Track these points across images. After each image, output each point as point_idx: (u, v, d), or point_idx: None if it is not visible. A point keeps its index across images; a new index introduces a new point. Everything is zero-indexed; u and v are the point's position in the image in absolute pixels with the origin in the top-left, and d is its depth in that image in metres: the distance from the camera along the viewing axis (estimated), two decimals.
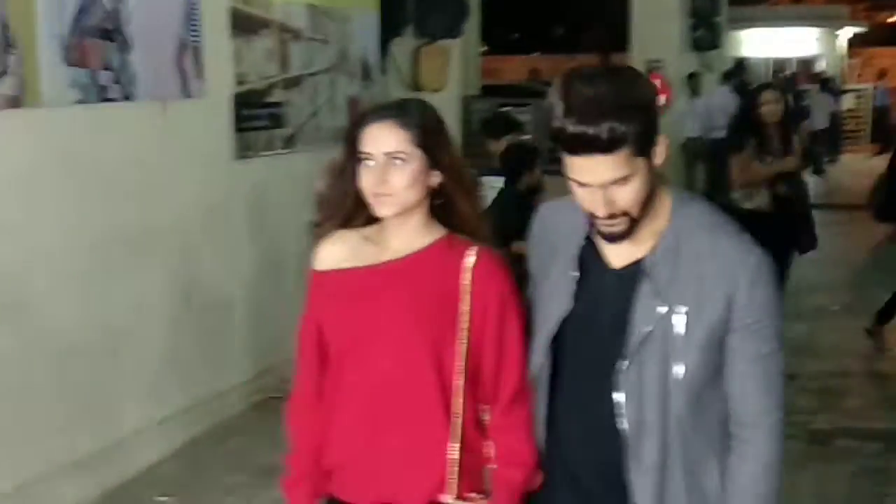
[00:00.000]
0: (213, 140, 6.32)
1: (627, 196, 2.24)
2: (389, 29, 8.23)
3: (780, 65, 22.19)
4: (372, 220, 2.53)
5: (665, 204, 2.36)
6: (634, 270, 2.34)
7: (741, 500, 2.36)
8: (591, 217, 2.29)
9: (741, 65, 18.12)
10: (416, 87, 8.72)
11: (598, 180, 2.21)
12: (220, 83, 6.27)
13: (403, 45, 8.62)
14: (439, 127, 2.50)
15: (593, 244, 2.41)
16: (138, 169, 5.68)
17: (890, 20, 39.21)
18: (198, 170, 6.16)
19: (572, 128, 2.17)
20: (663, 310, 2.29)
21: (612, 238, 2.31)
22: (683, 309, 2.29)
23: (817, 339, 8.21)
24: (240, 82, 6.45)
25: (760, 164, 6.81)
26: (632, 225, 2.28)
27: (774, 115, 6.84)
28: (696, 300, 2.29)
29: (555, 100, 2.22)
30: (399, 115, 2.44)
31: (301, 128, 7.09)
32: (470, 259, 2.46)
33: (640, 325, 2.30)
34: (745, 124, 7.05)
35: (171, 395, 5.97)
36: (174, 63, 5.88)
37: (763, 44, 21.33)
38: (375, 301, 2.48)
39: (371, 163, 2.42)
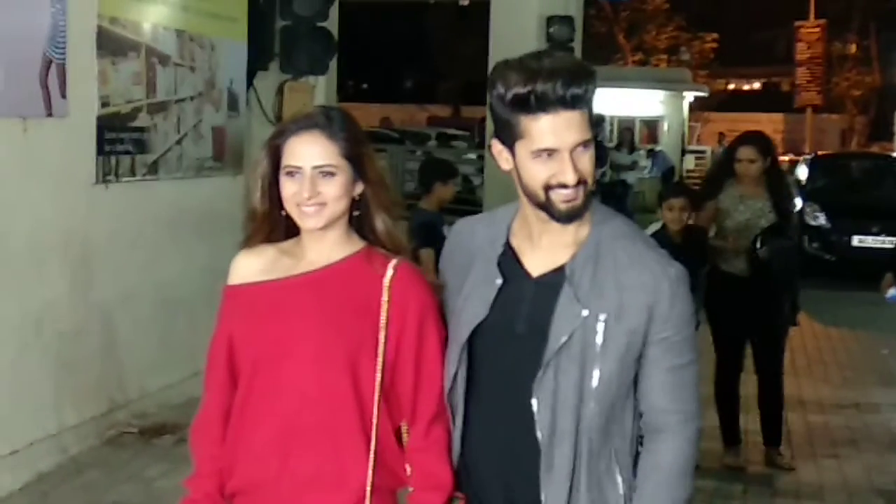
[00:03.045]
0: (75, 162, 6.06)
1: (589, 163, 2.26)
2: (255, 61, 8.11)
3: (626, 124, 22.80)
4: (291, 235, 2.45)
5: (588, 214, 2.36)
6: (554, 278, 2.33)
7: None
8: (548, 192, 2.26)
9: (599, 121, 18.48)
10: (279, 121, 8.55)
11: (566, 142, 2.22)
12: (84, 104, 6.03)
13: (268, 79, 8.49)
14: (363, 137, 2.43)
15: (512, 253, 2.40)
16: None
17: (730, 87, 41.02)
18: (57, 192, 5.90)
19: (540, 85, 2.18)
20: (585, 313, 2.27)
21: (572, 215, 2.28)
22: (603, 316, 2.28)
23: None
24: (104, 104, 6.22)
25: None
26: (586, 202, 2.28)
27: (750, 174, 6.16)
28: (616, 308, 2.29)
29: (504, 79, 2.23)
30: (326, 127, 2.36)
31: (165, 155, 6.88)
32: (389, 273, 2.39)
33: (560, 330, 2.28)
34: (722, 178, 6.43)
35: (18, 427, 5.65)
36: (38, 80, 5.64)
37: (610, 102, 21.84)
38: (288, 315, 2.37)
39: (298, 175, 2.34)
